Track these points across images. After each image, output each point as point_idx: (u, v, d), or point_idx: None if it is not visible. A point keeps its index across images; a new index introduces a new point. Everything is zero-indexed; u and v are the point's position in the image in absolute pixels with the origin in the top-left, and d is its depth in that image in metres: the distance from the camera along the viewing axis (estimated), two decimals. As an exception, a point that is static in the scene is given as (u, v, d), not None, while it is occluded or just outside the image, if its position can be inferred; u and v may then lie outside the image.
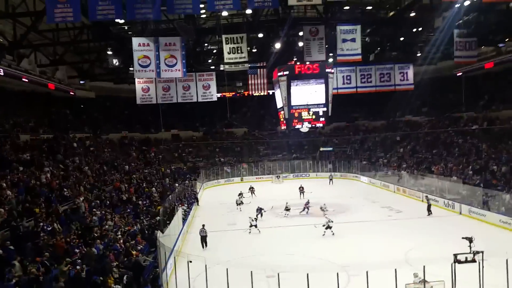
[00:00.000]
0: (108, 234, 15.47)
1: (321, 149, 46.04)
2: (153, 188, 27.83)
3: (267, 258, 15.77)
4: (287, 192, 31.87)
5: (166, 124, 43.81)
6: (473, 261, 11.16)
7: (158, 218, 20.05)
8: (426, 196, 25.21)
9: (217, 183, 40.89)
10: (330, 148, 46.05)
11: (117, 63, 25.32)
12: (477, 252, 12.22)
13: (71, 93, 32.77)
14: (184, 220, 22.02)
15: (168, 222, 18.84)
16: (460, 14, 21.76)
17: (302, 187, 31.18)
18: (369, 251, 16.72)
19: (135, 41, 20.41)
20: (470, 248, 14.18)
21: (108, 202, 20.55)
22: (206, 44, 28.14)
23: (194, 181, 36.49)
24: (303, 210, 24.79)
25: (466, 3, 19.75)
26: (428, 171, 31.14)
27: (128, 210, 20.92)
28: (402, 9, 22.47)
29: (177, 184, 32.79)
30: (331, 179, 38.48)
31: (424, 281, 11.07)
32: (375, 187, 35.48)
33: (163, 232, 15.42)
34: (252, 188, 32.33)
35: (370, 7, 22.48)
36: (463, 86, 36.79)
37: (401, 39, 27.35)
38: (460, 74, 36.00)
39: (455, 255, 11.51)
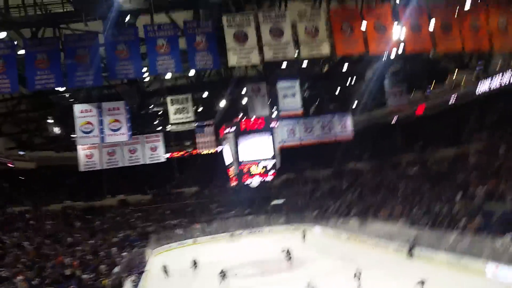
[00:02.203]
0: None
1: (273, 202, 46.21)
2: (99, 260, 26.06)
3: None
4: (242, 252, 31.16)
5: (112, 189, 42.17)
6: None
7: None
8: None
9: (169, 248, 39.18)
10: (282, 201, 46.35)
11: (58, 131, 24.56)
12: None
13: (9, 165, 31.00)
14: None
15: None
16: (388, 65, 23.93)
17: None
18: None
19: (77, 108, 20.07)
20: None
21: (50, 279, 18.90)
22: (151, 106, 28.29)
23: (144, 247, 34.73)
24: None
25: (392, 55, 21.68)
26: (376, 216, 32.06)
27: (72, 286, 19.32)
28: (336, 64, 24.33)
29: (125, 253, 30.97)
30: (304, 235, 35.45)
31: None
32: (328, 236, 35.78)
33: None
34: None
35: (306, 63, 24.05)
36: (397, 132, 39.54)
37: (338, 91, 29.29)
38: (394, 120, 38.73)
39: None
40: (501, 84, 26.51)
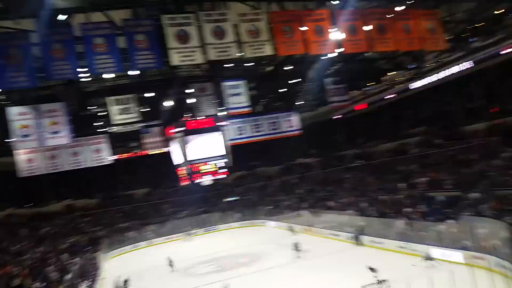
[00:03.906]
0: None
1: (227, 199, 46.40)
2: (50, 267, 24.99)
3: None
4: (199, 250, 31.11)
5: (57, 194, 40.39)
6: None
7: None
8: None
9: (122, 251, 38.22)
10: (236, 198, 46.67)
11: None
12: (382, 281, 13.23)
13: None
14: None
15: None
16: (328, 64, 24.84)
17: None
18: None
19: (12, 110, 19.13)
20: (375, 277, 15.38)
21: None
22: (93, 107, 27.39)
23: (96, 252, 33.65)
24: None
25: (331, 55, 22.54)
26: (326, 208, 33.19)
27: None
28: (279, 63, 24.88)
29: (76, 259, 29.86)
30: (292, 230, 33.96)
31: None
32: (282, 230, 36.55)
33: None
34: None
35: (250, 64, 24.38)
36: (341, 128, 41.17)
37: (283, 90, 29.97)
38: (337, 117, 40.29)
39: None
40: (432, 82, 28.37)
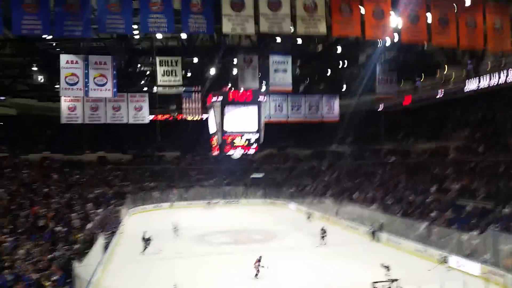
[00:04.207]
0: (19, 264, 14.14)
1: (252, 175, 46.62)
2: (74, 214, 26.04)
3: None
4: (217, 220, 31.59)
5: (92, 145, 41.74)
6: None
7: (76, 246, 18.74)
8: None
9: (144, 209, 39.37)
10: (261, 175, 46.81)
11: (42, 80, 23.95)
12: (394, 280, 13.04)
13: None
14: (105, 249, 20.86)
15: (87, 251, 17.70)
16: (382, 52, 23.88)
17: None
18: (291, 278, 17.06)
19: (63, 58, 19.49)
20: (387, 275, 15.18)
21: (23, 228, 18.86)
22: (139, 65, 27.71)
23: (120, 206, 34.81)
24: None
25: (387, 42, 21.62)
26: (350, 199, 32.79)
27: (45, 237, 19.34)
28: (330, 44, 24.13)
29: (100, 210, 31.00)
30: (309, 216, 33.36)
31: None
32: (301, 214, 36.52)
33: (81, 262, 14.47)
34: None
35: (300, 41, 23.80)
36: (382, 120, 39.98)
37: (329, 73, 29.20)
38: (381, 108, 39.07)
39: (373, 283, 12.14)
40: (489, 85, 26.85)
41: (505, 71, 25.52)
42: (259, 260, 17.61)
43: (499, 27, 17.75)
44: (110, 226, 27.13)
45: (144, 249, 22.58)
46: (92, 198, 34.74)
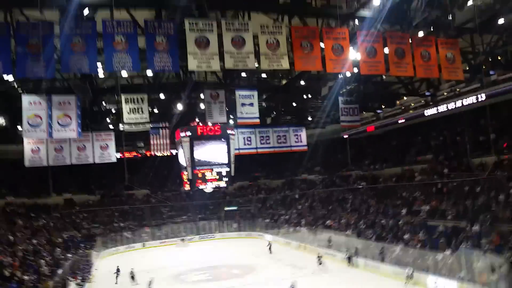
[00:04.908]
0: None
1: (226, 208, 46.16)
2: (42, 261, 24.75)
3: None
4: (193, 257, 30.84)
5: (58, 187, 40.34)
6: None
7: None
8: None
9: (115, 251, 37.93)
10: (235, 208, 46.41)
11: (3, 122, 23.27)
12: None
13: None
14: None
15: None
16: (343, 84, 24.86)
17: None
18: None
19: (25, 99, 19.09)
20: None
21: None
22: (104, 103, 27.47)
23: (89, 250, 33.42)
24: None
25: (347, 75, 22.57)
26: (325, 227, 32.94)
27: (12, 287, 18.23)
28: (293, 78, 24.90)
29: (69, 255, 29.63)
30: (269, 247, 32.53)
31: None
32: (278, 244, 36.24)
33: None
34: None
35: (265, 75, 24.44)
36: (348, 148, 41.06)
37: (294, 104, 29.97)
38: (346, 136, 40.18)
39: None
40: (446, 110, 28.29)
41: (460, 97, 27.06)
42: None
43: (451, 58, 18.94)
44: (81, 271, 25.97)
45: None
46: (61, 242, 33.25)
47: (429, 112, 29.90)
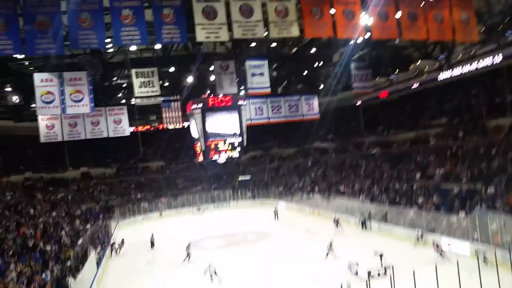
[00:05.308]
0: (12, 286, 13.93)
1: (239, 178, 46.72)
2: (62, 232, 25.67)
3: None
4: (209, 225, 31.58)
5: (74, 162, 41.21)
6: (385, 274, 12.04)
7: (69, 263, 18.54)
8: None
9: (133, 221, 39.04)
10: (248, 177, 46.92)
11: (17, 100, 23.60)
12: (388, 267, 13.34)
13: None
14: (98, 263, 20.69)
15: (80, 267, 17.55)
16: (355, 50, 24.34)
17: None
18: (289, 274, 17.23)
19: (37, 76, 19.31)
20: (382, 263, 15.51)
21: (11, 250, 18.52)
22: (115, 78, 27.52)
23: (108, 220, 34.44)
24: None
25: (359, 40, 22.02)
26: (338, 193, 33.19)
27: (35, 257, 19.04)
28: (304, 46, 24.44)
29: (89, 226, 30.61)
30: (276, 213, 33.34)
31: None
32: (292, 211, 36.81)
33: (75, 278, 14.36)
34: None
35: (274, 44, 24.04)
36: (361, 115, 40.59)
37: (305, 73, 29.54)
38: (359, 103, 39.66)
39: (369, 272, 12.39)
40: (461, 74, 27.59)
41: (475, 60, 26.28)
42: None
43: (465, 20, 18.32)
44: (101, 241, 26.86)
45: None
46: (80, 214, 34.31)
47: (443, 75, 29.21)
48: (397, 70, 31.97)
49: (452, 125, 29.57)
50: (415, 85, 32.77)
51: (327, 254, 19.26)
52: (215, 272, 17.23)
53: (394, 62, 28.94)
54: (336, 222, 25.37)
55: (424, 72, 31.86)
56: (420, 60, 29.87)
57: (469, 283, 11.82)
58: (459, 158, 25.73)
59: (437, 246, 17.93)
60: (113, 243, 25.29)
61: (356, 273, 15.44)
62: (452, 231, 19.30)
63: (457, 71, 27.72)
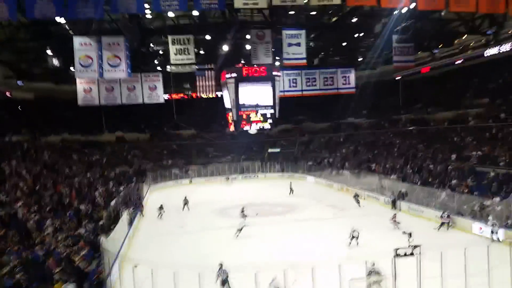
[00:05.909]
0: (49, 240, 14.73)
1: (269, 150, 46.73)
2: (96, 192, 26.70)
3: (216, 259, 15.74)
4: (237, 194, 32.02)
5: (110, 126, 42.35)
6: (412, 254, 11.91)
7: (101, 222, 19.33)
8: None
9: (164, 186, 40.13)
10: (278, 150, 46.84)
11: (57, 63, 24.22)
12: (416, 246, 13.14)
13: (7, 94, 30.74)
14: (130, 224, 21.48)
15: (112, 226, 18.25)
16: (398, 21, 23.22)
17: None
18: (315, 248, 17.31)
19: (77, 40, 19.72)
20: (409, 242, 15.28)
21: (48, 207, 19.51)
22: (152, 45, 27.66)
23: (141, 183, 35.51)
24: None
25: (404, 10, 20.96)
26: (369, 170, 32.66)
27: (70, 214, 19.97)
28: (345, 15, 23.55)
29: (122, 188, 31.68)
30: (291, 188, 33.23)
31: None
32: (320, 186, 36.67)
33: (107, 237, 14.97)
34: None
35: (314, 12, 23.28)
36: (400, 90, 39.16)
37: (344, 44, 28.61)
38: (398, 78, 38.20)
39: (396, 250, 12.24)
40: (510, 49, 25.91)
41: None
42: None
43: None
44: (133, 202, 27.75)
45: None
46: (113, 176, 35.50)
47: (489, 52, 27.55)
48: (441, 44, 30.35)
49: (493, 106, 28.15)
50: (459, 61, 31.13)
51: (350, 242, 18.70)
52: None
53: (438, 36, 27.44)
54: (356, 198, 25.12)
55: (469, 47, 30.13)
56: (466, 35, 28.18)
57: (499, 270, 11.46)
58: (498, 140, 24.63)
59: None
60: (161, 206, 26.00)
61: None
62: (485, 216, 18.70)
63: (506, 47, 26.02)
